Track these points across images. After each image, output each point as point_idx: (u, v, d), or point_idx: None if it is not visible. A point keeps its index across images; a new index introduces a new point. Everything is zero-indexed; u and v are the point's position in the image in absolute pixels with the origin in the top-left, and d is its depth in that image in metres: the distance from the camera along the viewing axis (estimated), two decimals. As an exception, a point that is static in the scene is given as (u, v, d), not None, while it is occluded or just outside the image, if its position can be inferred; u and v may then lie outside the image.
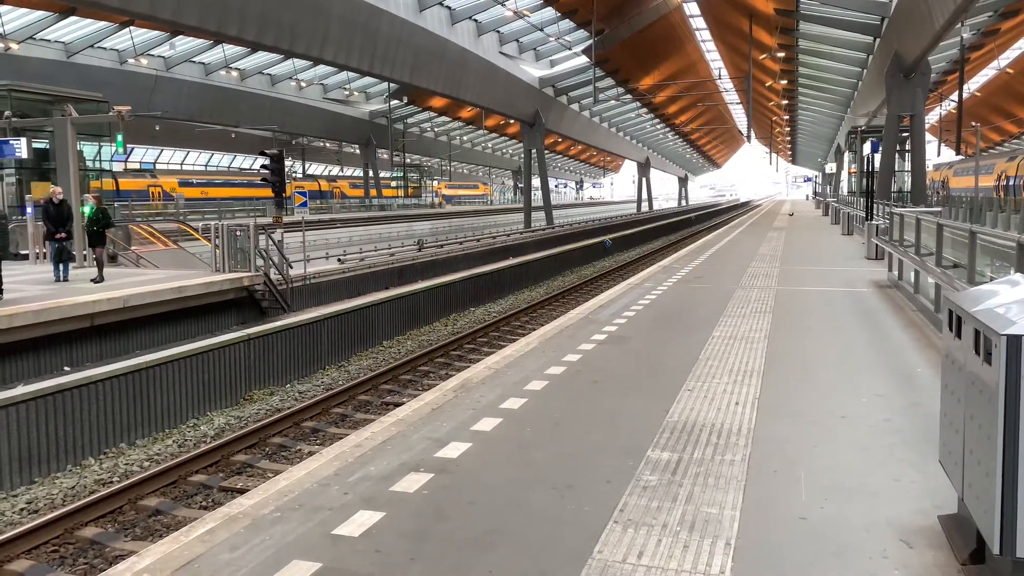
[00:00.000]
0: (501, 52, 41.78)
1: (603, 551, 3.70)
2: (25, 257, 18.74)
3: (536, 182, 49.80)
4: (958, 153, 53.74)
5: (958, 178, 46.79)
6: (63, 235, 14.98)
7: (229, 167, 69.98)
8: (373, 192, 65.92)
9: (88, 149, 23.22)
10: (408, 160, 72.20)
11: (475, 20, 37.92)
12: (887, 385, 6.72)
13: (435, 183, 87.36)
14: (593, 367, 7.47)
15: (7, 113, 20.07)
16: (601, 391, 6.67)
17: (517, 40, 42.89)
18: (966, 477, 3.40)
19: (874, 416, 5.79)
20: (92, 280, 14.43)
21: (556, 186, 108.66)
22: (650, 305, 11.33)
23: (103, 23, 34.21)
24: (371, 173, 65.74)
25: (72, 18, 32.62)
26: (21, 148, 18.63)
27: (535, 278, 27.04)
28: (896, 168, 37.95)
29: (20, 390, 9.47)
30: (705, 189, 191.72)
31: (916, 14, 24.72)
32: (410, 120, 65.98)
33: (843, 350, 8.25)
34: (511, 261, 26.69)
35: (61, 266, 14.79)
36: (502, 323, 18.40)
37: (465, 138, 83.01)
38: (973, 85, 56.42)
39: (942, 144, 67.33)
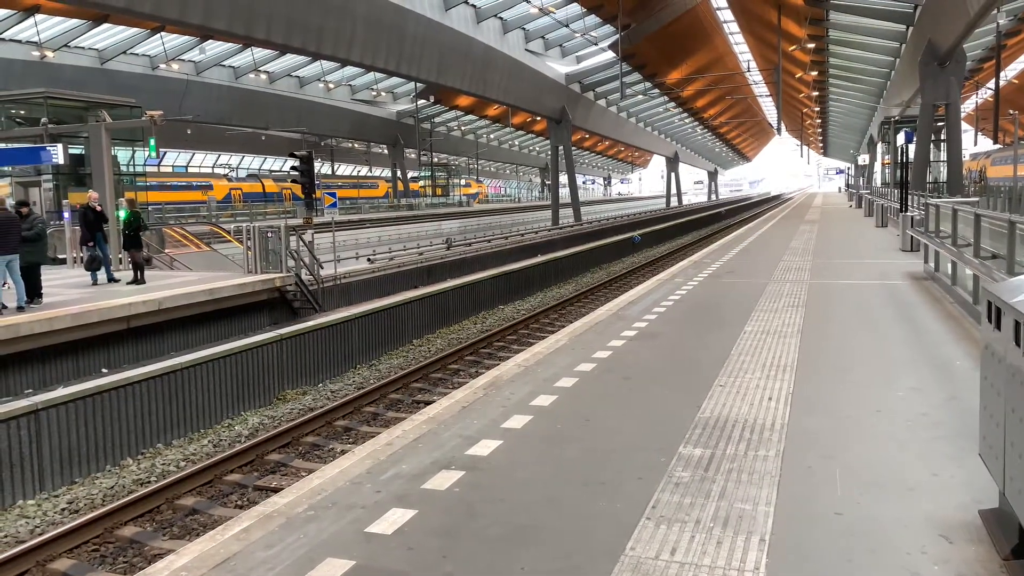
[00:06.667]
0: (527, 49, 41.72)
1: (636, 548, 3.68)
2: (63, 262, 19.11)
3: (564, 179, 49.68)
4: (995, 142, 52.58)
5: (996, 167, 45.84)
6: (92, 243, 15.26)
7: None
8: (401, 188, 66.07)
9: (122, 154, 23.61)
10: (435, 159, 72.21)
11: (500, 18, 37.93)
12: (924, 378, 6.60)
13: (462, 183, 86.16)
14: (624, 363, 7.43)
15: (44, 120, 20.51)
16: (632, 387, 6.63)
17: (543, 37, 42.81)
18: (1007, 471, 3.32)
19: (911, 410, 5.69)
20: (128, 283, 14.69)
21: (584, 182, 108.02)
22: (680, 300, 11.25)
23: (135, 29, 34.80)
24: (399, 173, 66.04)
25: (105, 25, 33.25)
26: (58, 154, 19.01)
27: (564, 275, 26.98)
28: (931, 158, 37.22)
29: (60, 392, 9.66)
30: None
31: (950, 0, 24.23)
32: (437, 119, 66.17)
33: (878, 344, 8.12)
34: (539, 258, 26.67)
35: (94, 272, 15.10)
36: (531, 320, 18.39)
37: (492, 136, 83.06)
38: (1010, 72, 55.14)
39: (979, 133, 65.92)
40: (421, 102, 56.63)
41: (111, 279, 15.18)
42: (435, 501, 4.32)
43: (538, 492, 4.42)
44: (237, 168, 69.15)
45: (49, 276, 14.15)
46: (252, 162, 71.26)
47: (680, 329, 9.31)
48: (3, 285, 11.67)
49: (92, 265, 15.07)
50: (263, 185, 55.71)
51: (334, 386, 13.66)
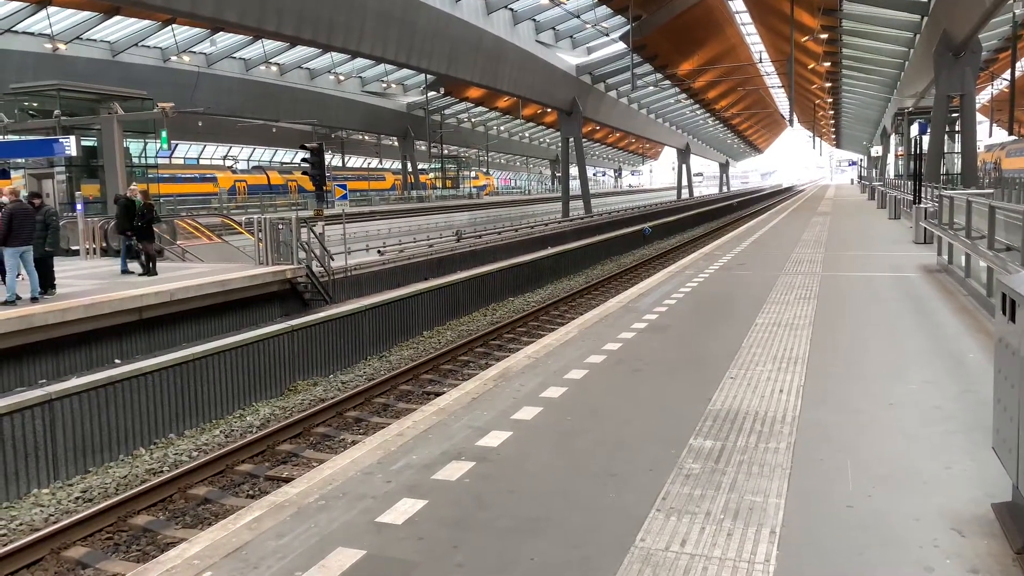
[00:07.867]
0: (537, 40, 41.59)
1: (646, 539, 3.68)
2: (76, 253, 19.22)
3: (574, 171, 49.54)
4: (1011, 133, 52.10)
5: (1011, 159, 45.43)
6: (131, 232, 15.51)
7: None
8: (411, 179, 66.13)
9: (134, 146, 23.70)
10: (445, 151, 72.14)
11: (511, 9, 37.81)
12: (937, 372, 6.56)
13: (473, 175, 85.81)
14: (634, 355, 7.42)
15: (56, 112, 20.61)
16: (642, 379, 6.62)
17: (554, 28, 42.65)
18: (1021, 464, 3.30)
19: (924, 403, 5.66)
20: (139, 274, 14.78)
21: (594, 174, 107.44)
22: (691, 293, 11.22)
23: (146, 22, 34.90)
24: (409, 165, 66.07)
25: (117, 18, 33.33)
26: (70, 146, 19.10)
27: (574, 267, 26.95)
28: (945, 150, 36.88)
29: (74, 382, 9.73)
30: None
31: (965, -10, 23.97)
32: (447, 111, 66.09)
33: (891, 336, 8.07)
34: (550, 250, 26.64)
35: (135, 259, 15.37)
36: (541, 312, 18.39)
37: (502, 128, 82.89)
38: (1026, 62, 54.47)
39: (994, 124, 65.30)
40: (431, 94, 56.56)
41: (124, 271, 15.30)
42: (445, 492, 4.33)
43: (548, 483, 4.42)
44: (249, 160, 69.22)
45: (63, 267, 14.24)
46: (263, 154, 71.38)
47: (691, 321, 9.28)
48: (17, 276, 11.75)
49: (131, 253, 15.41)
50: (268, 177, 55.59)
51: (345, 377, 13.71)
